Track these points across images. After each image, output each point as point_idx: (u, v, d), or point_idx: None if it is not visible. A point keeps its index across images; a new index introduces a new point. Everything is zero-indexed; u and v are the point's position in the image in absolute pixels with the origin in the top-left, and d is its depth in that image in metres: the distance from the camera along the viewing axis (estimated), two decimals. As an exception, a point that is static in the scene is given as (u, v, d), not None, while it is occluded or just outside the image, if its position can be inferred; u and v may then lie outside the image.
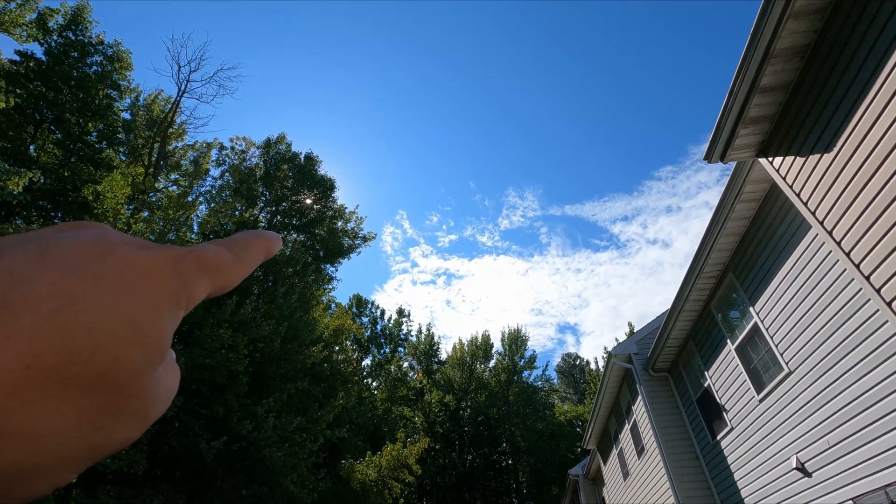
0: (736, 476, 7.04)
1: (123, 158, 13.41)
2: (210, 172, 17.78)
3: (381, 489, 14.63)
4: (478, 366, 37.47)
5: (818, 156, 3.95)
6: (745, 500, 6.79)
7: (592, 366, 42.23)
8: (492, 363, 38.08)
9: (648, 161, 77.90)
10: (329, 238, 18.49)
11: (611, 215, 74.84)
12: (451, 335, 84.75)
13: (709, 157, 4.91)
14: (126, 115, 14.52)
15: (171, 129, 15.97)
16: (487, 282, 79.68)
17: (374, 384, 28.73)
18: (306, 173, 18.51)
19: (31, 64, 10.25)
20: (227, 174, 17.43)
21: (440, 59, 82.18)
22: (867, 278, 3.57)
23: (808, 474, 5.35)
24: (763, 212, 5.78)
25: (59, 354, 0.16)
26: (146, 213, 12.56)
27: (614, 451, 12.29)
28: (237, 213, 17.59)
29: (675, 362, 9.00)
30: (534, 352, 39.12)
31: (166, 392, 0.22)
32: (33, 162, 10.37)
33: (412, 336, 36.66)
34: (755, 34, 3.89)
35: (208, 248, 0.23)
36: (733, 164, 5.45)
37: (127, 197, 11.50)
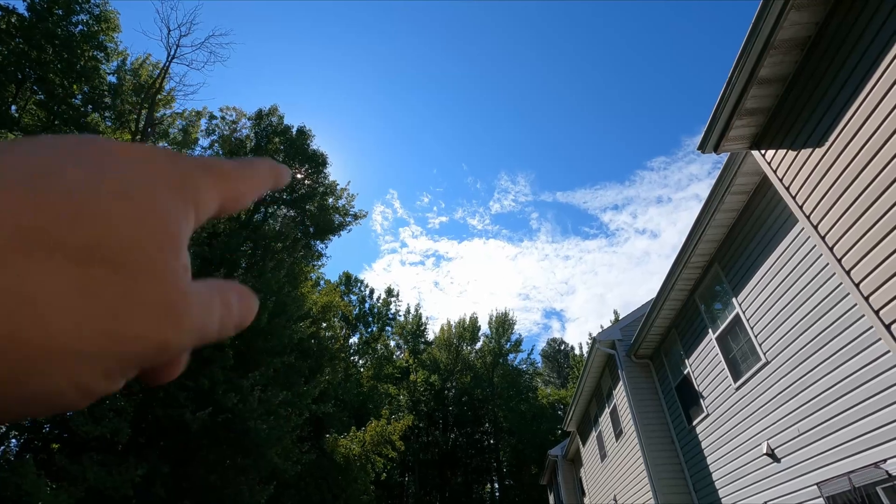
0: (709, 460, 7.29)
1: (109, 124, 13.03)
2: (199, 142, 17.40)
3: (364, 463, 14.91)
4: (464, 347, 37.91)
5: (809, 150, 3.98)
6: (716, 482, 7.05)
7: (577, 351, 43.00)
8: (478, 345, 38.54)
9: (642, 151, 77.96)
10: (320, 214, 18.32)
11: (602, 204, 75.11)
12: (439, 316, 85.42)
13: (703, 147, 4.93)
14: (112, 79, 14.05)
15: (159, 96, 15.53)
16: (476, 265, 79.94)
17: (361, 362, 28.96)
18: (298, 147, 18.21)
19: (12, 20, 9.82)
20: (216, 144, 17.08)
21: (437, 39, 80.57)
22: (848, 273, 3.65)
23: (777, 460, 5.55)
24: (752, 204, 5.84)
25: (45, 217, 0.15)
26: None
27: (593, 434, 12.62)
28: (227, 185, 17.34)
29: (658, 350, 9.19)
30: (520, 335, 39.64)
31: (208, 297, 0.20)
32: (15, 123, 10.04)
33: (400, 316, 36.84)
34: (757, 23, 3.86)
35: (210, 156, 0.23)
36: (726, 156, 5.48)
37: (113, 163, 11.20)
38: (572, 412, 13.65)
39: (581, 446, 14.47)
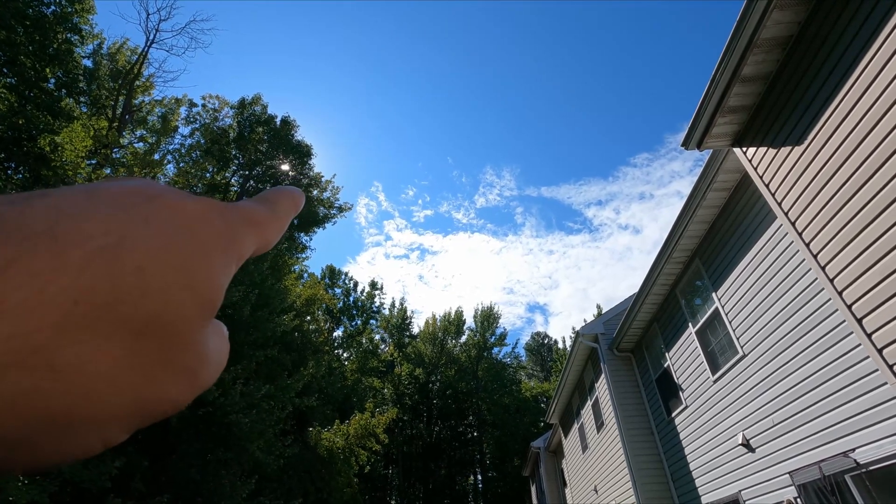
0: (686, 451, 7.47)
1: (85, 110, 12.59)
2: (179, 130, 16.99)
3: (348, 456, 14.89)
4: (449, 341, 38.04)
5: (789, 148, 4.06)
6: (693, 472, 7.23)
7: (560, 345, 43.52)
8: (463, 339, 38.72)
9: (625, 147, 78.82)
10: (304, 207, 18.12)
11: (586, 199, 75.86)
12: (424, 310, 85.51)
13: (686, 144, 4.99)
14: (88, 63, 13.57)
15: (137, 82, 15.07)
16: (461, 259, 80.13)
17: (345, 355, 28.82)
18: (282, 138, 17.90)
19: (-21, -2, 9.37)
20: (197, 133, 16.68)
21: (424, 32, 79.88)
22: (823, 268, 3.74)
23: (751, 450, 5.72)
24: (733, 201, 5.95)
25: (108, 293, 0.15)
26: (108, 170, 11.94)
27: (575, 426, 12.81)
28: (208, 175, 16.95)
29: (639, 343, 9.35)
30: (504, 329, 40.00)
31: (216, 355, 0.21)
32: (-17, 106, 9.62)
33: (384, 309, 36.74)
34: (741, 22, 3.91)
35: (248, 204, 0.23)
36: (709, 153, 5.56)
37: (88, 150, 10.87)
38: (555, 405, 13.83)
39: (563, 438, 14.69)
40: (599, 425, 10.46)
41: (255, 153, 17.79)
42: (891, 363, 3.18)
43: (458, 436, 35.70)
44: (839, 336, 4.30)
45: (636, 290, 8.30)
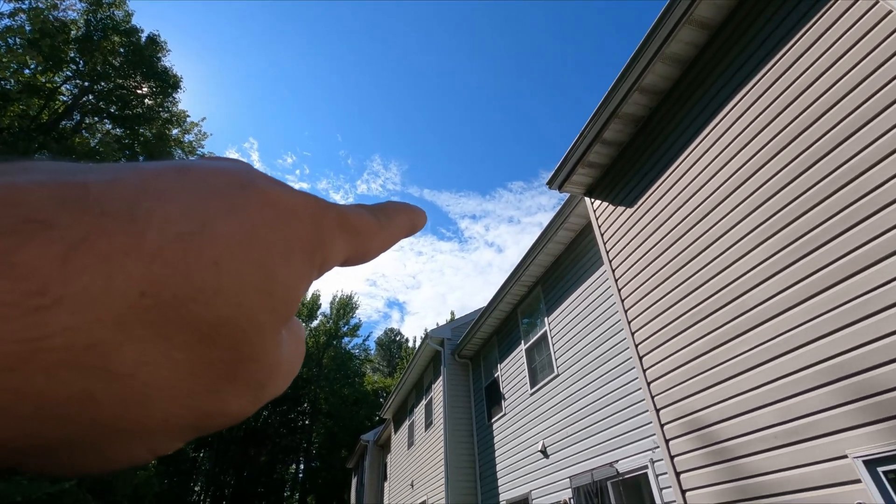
0: (497, 453, 8.30)
1: None
2: (-5, 4, 13.20)
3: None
4: (299, 323, 36.20)
5: (623, 208, 4.84)
6: (498, 473, 8.06)
7: (410, 344, 44.79)
8: (314, 323, 37.28)
9: (506, 172, 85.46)
10: (156, 144, 15.50)
11: (462, 210, 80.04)
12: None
13: (551, 184, 5.60)
14: None
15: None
16: (332, 243, 77.12)
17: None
18: (145, 58, 15.13)
19: None
20: (21, 15, 13.12)
21: (345, -2, 75.72)
22: (626, 311, 4.53)
23: (546, 456, 6.61)
24: (577, 241, 6.86)
25: (178, 287, 0.13)
26: None
27: (407, 423, 13.28)
28: (28, 71, 13.47)
29: (478, 352, 10.12)
30: (359, 320, 39.63)
31: (288, 365, 0.18)
32: None
33: (234, 279, 33.52)
34: (609, 96, 4.56)
35: (351, 207, 0.21)
36: (567, 196, 6.32)
37: None
38: (392, 400, 14.15)
39: (393, 433, 15.09)
40: (428, 424, 11.00)
41: (103, 65, 14.67)
42: (654, 394, 3.99)
43: (287, 422, 34.10)
44: (627, 368, 5.24)
45: (487, 303, 8.99)
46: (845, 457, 2.53)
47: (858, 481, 2.45)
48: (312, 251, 0.18)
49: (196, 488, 30.38)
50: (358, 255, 0.21)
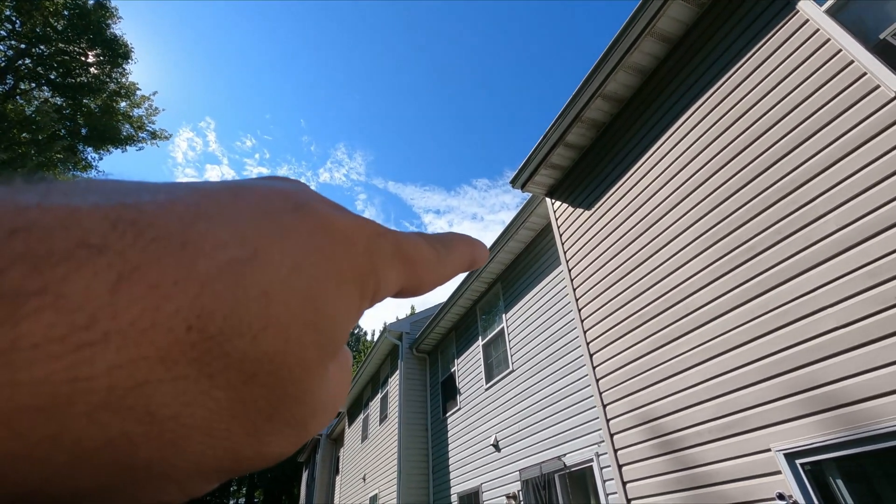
0: (450, 447, 8.38)
1: None
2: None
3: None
4: (253, 313, 35.10)
5: (581, 210, 4.99)
6: (451, 466, 8.15)
7: (369, 337, 44.38)
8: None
9: (472, 169, 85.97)
10: (102, 116, 14.46)
11: (426, 205, 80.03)
12: (234, 276, 77.33)
13: (514, 183, 5.68)
14: None
15: None
16: (292, 232, 74.94)
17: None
18: (92, 23, 14.04)
19: None
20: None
21: (315, -20, 73.16)
22: (579, 310, 4.68)
23: (498, 450, 6.74)
24: (536, 241, 7.01)
25: (226, 319, 0.12)
26: None
27: (361, 416, 13.16)
28: (-47, 27, 12.22)
29: (436, 347, 10.16)
30: (317, 312, 38.62)
31: (332, 402, 0.17)
32: None
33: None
34: (573, 100, 4.67)
35: (409, 235, 0.19)
36: (529, 196, 6.44)
37: None
38: (348, 393, 13.96)
39: (347, 427, 14.92)
40: (383, 418, 10.95)
41: (44, 27, 13.49)
42: (602, 390, 4.15)
43: (237, 415, 32.99)
44: (578, 366, 5.42)
45: (447, 298, 9.03)
46: (769, 450, 2.73)
47: (779, 473, 2.65)
48: (364, 281, 0.16)
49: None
50: (412, 287, 0.20)
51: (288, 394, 0.14)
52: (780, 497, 2.60)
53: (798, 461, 2.60)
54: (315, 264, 0.15)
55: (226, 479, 0.16)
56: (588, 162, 5.07)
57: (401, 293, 0.20)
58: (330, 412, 0.17)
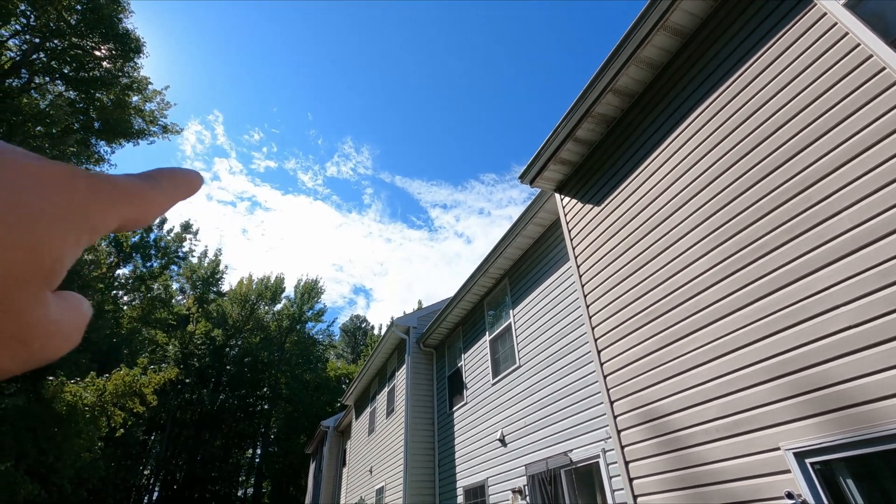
0: (456, 441, 8.43)
1: None
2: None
3: (97, 416, 12.51)
4: (263, 307, 35.43)
5: (591, 206, 4.96)
6: (457, 460, 8.20)
7: (376, 331, 44.58)
8: (278, 307, 36.53)
9: (479, 164, 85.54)
10: (114, 110, 14.61)
11: (433, 199, 79.78)
12: (240, 268, 77.94)
13: (523, 178, 5.66)
14: None
15: None
16: (296, 223, 75.63)
17: (127, 298, 24.23)
18: (105, 17, 14.16)
19: None
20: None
21: (325, -27, 73.13)
22: (587, 307, 4.66)
23: (505, 444, 6.77)
24: (545, 237, 6.98)
25: None
26: None
27: (368, 410, 13.27)
28: (-31, 21, 12.38)
29: (443, 342, 10.20)
30: (324, 305, 39.04)
31: (56, 326, 0.19)
32: None
33: (194, 257, 32.24)
34: (584, 95, 4.63)
35: (125, 175, 0.22)
36: (538, 191, 6.41)
37: None
38: (355, 386, 14.08)
39: (354, 420, 15.05)
40: (390, 411, 11.03)
41: (58, 21, 13.64)
42: (609, 387, 4.14)
43: (245, 406, 33.38)
44: (585, 362, 5.41)
45: (454, 293, 9.04)
46: (777, 449, 2.72)
47: (788, 472, 2.64)
48: (81, 216, 0.19)
49: (146, 472, 29.38)
50: (136, 219, 0.22)
51: (2, 309, 0.16)
52: (789, 496, 2.59)
53: (808, 460, 2.58)
54: (23, 202, 0.17)
55: None
56: (598, 158, 5.03)
57: (123, 227, 0.22)
58: (54, 338, 0.19)
